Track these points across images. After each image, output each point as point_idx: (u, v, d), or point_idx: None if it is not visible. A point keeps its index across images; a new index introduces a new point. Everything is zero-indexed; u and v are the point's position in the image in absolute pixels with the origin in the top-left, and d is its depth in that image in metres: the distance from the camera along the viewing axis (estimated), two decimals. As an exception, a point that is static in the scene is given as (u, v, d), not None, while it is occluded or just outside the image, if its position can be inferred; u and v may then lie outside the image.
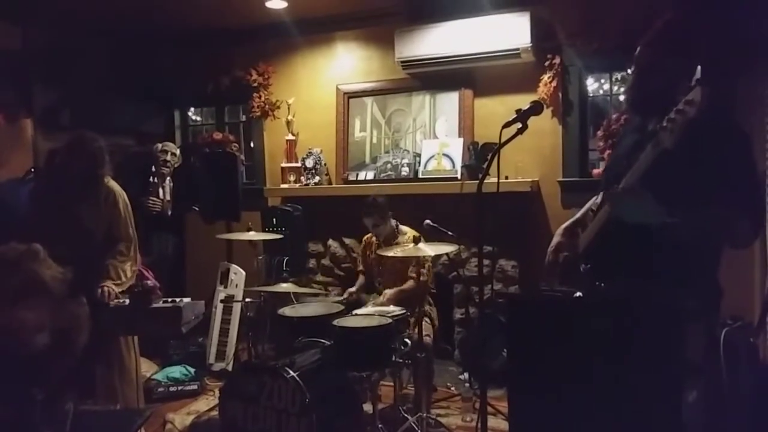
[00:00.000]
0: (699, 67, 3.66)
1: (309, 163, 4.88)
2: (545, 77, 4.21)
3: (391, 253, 3.29)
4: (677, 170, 1.66)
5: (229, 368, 4.20)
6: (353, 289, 3.86)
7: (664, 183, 1.66)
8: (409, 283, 3.57)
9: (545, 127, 4.22)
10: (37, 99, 4.73)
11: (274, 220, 4.57)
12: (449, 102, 4.60)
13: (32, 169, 4.02)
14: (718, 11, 3.55)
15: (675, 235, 1.67)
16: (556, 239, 2.15)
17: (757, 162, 1.80)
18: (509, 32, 4.12)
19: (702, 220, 1.69)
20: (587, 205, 2.15)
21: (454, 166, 4.39)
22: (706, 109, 1.52)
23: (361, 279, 3.90)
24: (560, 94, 4.22)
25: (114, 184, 3.08)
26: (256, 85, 5.19)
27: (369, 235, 3.84)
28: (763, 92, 3.37)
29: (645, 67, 1.86)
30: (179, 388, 3.89)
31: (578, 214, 2.15)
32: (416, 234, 3.52)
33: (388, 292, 3.55)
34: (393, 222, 3.72)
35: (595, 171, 4.19)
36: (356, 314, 3.25)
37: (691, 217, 1.67)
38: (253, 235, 3.78)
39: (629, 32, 1.95)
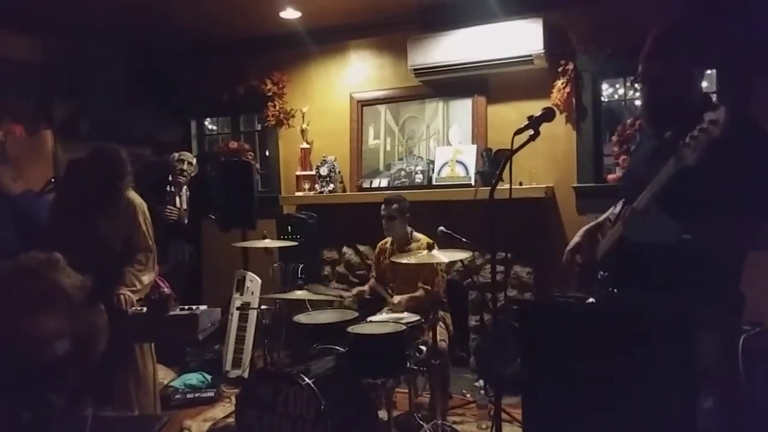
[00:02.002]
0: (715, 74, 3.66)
1: (323, 171, 4.91)
2: (558, 83, 4.20)
3: (405, 260, 3.29)
4: (701, 186, 1.65)
5: (245, 375, 4.22)
6: (364, 288, 3.85)
7: (686, 198, 1.65)
8: (421, 292, 3.56)
9: (559, 132, 4.20)
10: (57, 110, 4.82)
11: (289, 227, 4.60)
12: (462, 109, 4.61)
13: (52, 180, 4.09)
14: (729, 13, 3.53)
15: (695, 250, 1.66)
16: (576, 239, 2.15)
17: None
18: (522, 39, 4.12)
19: (724, 234, 1.68)
20: (609, 211, 2.14)
21: (467, 173, 4.39)
22: (730, 127, 1.52)
23: (372, 282, 3.87)
24: (574, 100, 4.21)
25: (134, 195, 3.12)
26: (270, 94, 5.25)
27: (383, 241, 3.85)
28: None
29: (651, 82, 1.86)
30: (196, 395, 3.92)
31: (600, 218, 2.15)
32: (429, 241, 3.52)
33: (400, 298, 3.55)
34: (408, 228, 3.72)
35: (610, 176, 4.17)
36: (371, 321, 3.26)
37: (712, 231, 1.67)
38: (268, 243, 3.81)
39: (642, 37, 1.94)
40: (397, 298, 3.56)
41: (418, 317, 3.28)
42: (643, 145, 2.06)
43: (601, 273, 1.93)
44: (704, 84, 3.93)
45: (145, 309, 2.95)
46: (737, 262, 1.81)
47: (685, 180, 1.63)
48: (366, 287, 3.86)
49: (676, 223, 1.66)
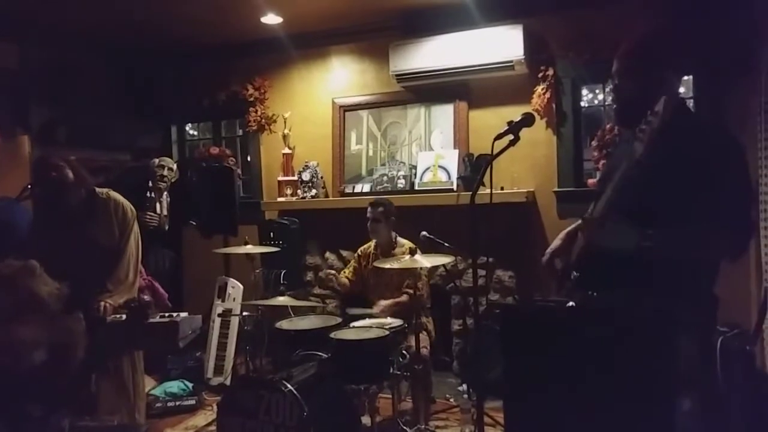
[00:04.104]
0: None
1: (306, 176, 4.90)
2: (539, 89, 4.24)
3: (387, 265, 3.29)
4: (651, 181, 1.67)
5: (227, 382, 4.18)
6: (335, 272, 3.79)
7: (640, 195, 1.67)
8: (404, 297, 3.57)
9: (540, 138, 4.24)
10: (34, 116, 4.75)
11: (271, 233, 4.58)
12: (444, 114, 4.63)
13: (29, 186, 4.03)
14: (707, 22, 3.61)
15: (654, 254, 1.67)
16: (556, 243, 2.16)
17: (744, 173, 1.78)
18: (502, 45, 4.16)
19: (681, 235, 1.68)
20: (587, 213, 2.16)
21: (449, 178, 4.41)
22: (673, 118, 1.54)
23: (343, 280, 3.83)
24: (554, 105, 4.25)
25: (121, 197, 3.10)
26: (252, 99, 5.23)
27: (366, 245, 3.84)
28: (756, 101, 3.41)
29: (620, 82, 1.88)
30: (177, 403, 3.87)
31: (580, 221, 2.16)
32: (412, 246, 3.52)
33: (383, 303, 3.54)
34: (393, 233, 3.72)
35: (590, 181, 4.21)
36: (354, 327, 3.25)
37: (669, 233, 1.67)
38: (250, 249, 3.79)
39: (620, 43, 1.97)
40: (381, 304, 3.55)
41: (402, 322, 3.28)
42: (618, 149, 2.09)
43: (574, 273, 1.95)
44: (681, 89, 4.04)
45: (124, 317, 2.91)
46: (706, 262, 1.82)
47: (637, 177, 1.64)
48: (338, 276, 3.81)
49: (632, 228, 1.68)
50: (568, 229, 2.17)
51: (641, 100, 1.79)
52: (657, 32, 1.90)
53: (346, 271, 3.90)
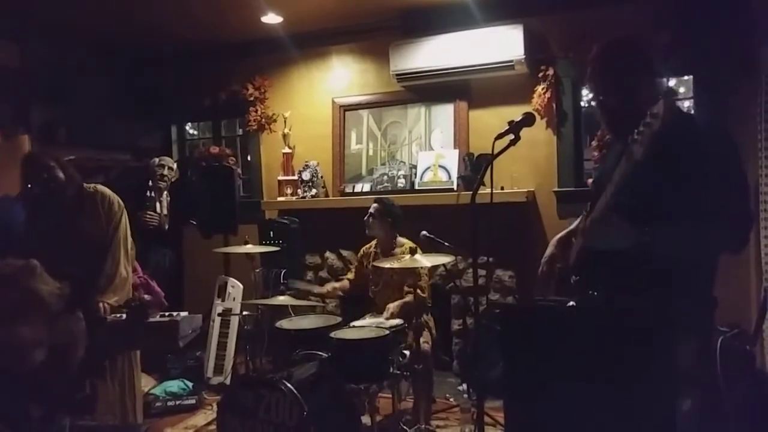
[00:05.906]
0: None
1: (306, 175, 4.90)
2: (539, 88, 4.24)
3: (388, 265, 3.29)
4: (651, 182, 1.68)
5: (227, 382, 4.18)
6: (336, 284, 3.80)
7: (640, 195, 1.68)
8: (410, 297, 3.55)
9: (540, 137, 4.24)
10: (35, 115, 4.76)
11: (271, 233, 4.57)
12: (444, 114, 4.63)
13: (29, 186, 4.03)
14: (707, 22, 3.61)
15: (654, 251, 1.67)
16: (549, 250, 2.15)
17: (740, 166, 1.78)
18: (503, 44, 4.17)
19: (680, 232, 1.69)
20: (581, 216, 2.16)
21: (450, 178, 4.41)
22: (672, 120, 1.54)
23: (344, 283, 3.85)
24: (554, 105, 4.25)
25: (107, 190, 3.08)
26: (252, 99, 5.23)
27: (368, 245, 3.84)
28: (757, 101, 3.41)
29: (600, 97, 1.88)
30: (177, 402, 3.87)
31: (572, 225, 2.16)
32: (413, 245, 3.52)
33: (392, 306, 3.47)
34: (394, 233, 3.71)
35: (590, 181, 4.21)
36: (354, 326, 3.25)
37: (668, 230, 1.68)
38: (250, 249, 3.79)
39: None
40: (390, 307, 3.46)
41: (402, 321, 3.28)
42: (610, 151, 2.09)
43: (574, 277, 1.95)
44: (682, 90, 4.04)
45: (124, 316, 2.91)
46: (704, 260, 1.82)
47: (637, 178, 1.64)
48: (339, 284, 3.82)
49: (634, 226, 1.68)
50: (560, 235, 2.17)
51: (628, 109, 1.78)
52: (615, 45, 1.89)
53: (349, 273, 3.91)
